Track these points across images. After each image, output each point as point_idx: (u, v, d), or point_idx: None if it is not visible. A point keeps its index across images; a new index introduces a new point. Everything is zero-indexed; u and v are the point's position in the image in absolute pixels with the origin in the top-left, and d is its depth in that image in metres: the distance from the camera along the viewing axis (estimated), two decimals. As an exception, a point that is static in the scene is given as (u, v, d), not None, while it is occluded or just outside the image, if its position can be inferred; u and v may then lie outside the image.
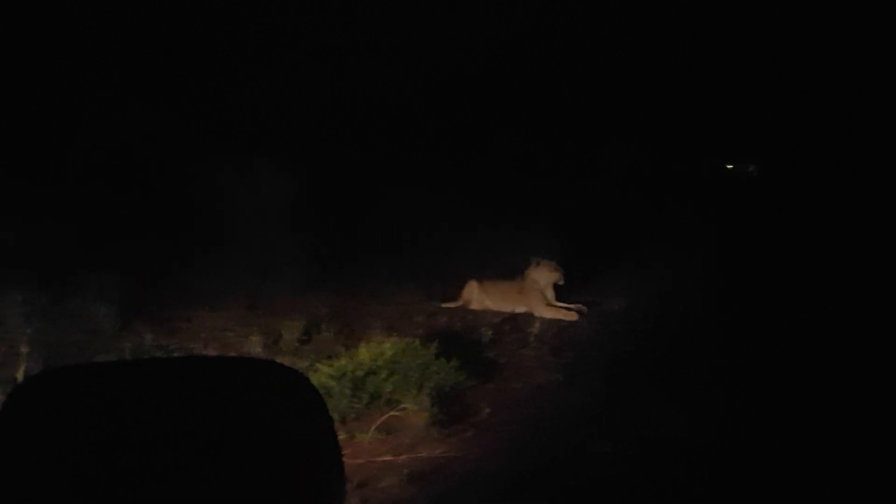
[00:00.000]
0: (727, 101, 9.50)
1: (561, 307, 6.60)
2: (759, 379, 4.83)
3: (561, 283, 6.71)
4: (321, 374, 4.44)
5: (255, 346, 5.16)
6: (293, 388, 0.96)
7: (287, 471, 0.91)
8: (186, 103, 8.37)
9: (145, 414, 0.88)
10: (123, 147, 8.28)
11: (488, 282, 6.85)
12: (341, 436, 4.09)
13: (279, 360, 4.97)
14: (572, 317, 6.46)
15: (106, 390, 0.91)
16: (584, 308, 6.61)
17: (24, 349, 4.41)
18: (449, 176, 8.47)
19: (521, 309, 6.66)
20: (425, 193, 8.26)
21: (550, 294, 6.70)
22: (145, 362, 1.11)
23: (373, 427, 4.05)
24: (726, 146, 10.05)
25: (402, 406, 4.29)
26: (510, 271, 6.93)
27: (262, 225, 7.15)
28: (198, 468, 0.87)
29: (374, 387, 4.42)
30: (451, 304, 6.80)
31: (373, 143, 8.95)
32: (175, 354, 4.90)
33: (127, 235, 7.30)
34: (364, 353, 4.72)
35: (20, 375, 4.19)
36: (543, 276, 6.69)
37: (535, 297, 6.66)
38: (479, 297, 6.77)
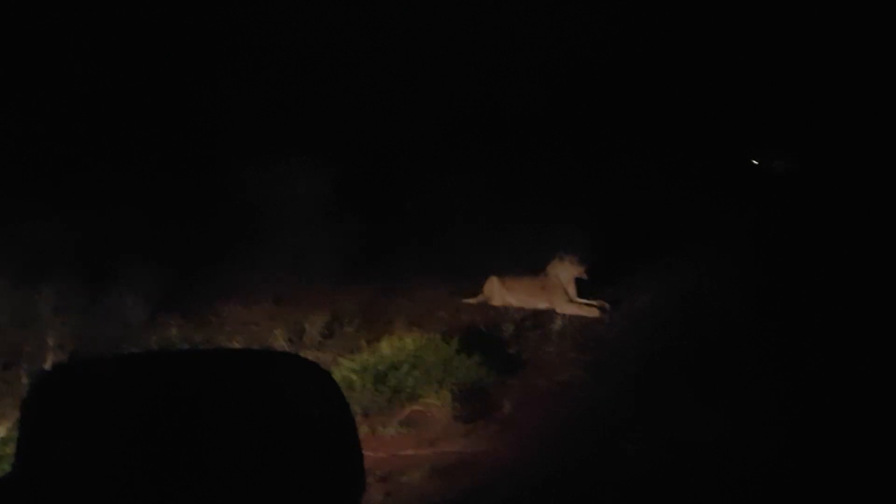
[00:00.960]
0: (754, 93, 9.29)
1: (583, 303, 6.54)
2: (789, 381, 4.72)
3: (584, 277, 6.63)
4: (343, 368, 4.47)
5: (279, 340, 5.19)
6: (312, 382, 0.96)
7: (305, 464, 0.90)
8: (220, 95, 8.41)
9: (160, 405, 0.88)
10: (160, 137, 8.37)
11: (510, 277, 6.80)
12: (363, 430, 4.12)
13: (302, 354, 5.01)
14: (594, 313, 6.39)
15: (124, 382, 0.92)
16: (607, 304, 6.53)
17: (51, 341, 4.48)
18: (479, 169, 8.42)
19: (542, 305, 6.60)
20: (456, 187, 8.22)
21: (573, 290, 6.62)
22: (163, 354, 1.12)
23: (395, 421, 4.06)
24: (755, 139, 9.82)
25: (424, 400, 4.29)
26: (539, 266, 6.86)
27: (294, 219, 7.18)
28: (213, 461, 0.86)
29: (396, 381, 4.43)
30: (473, 300, 6.77)
31: (402, 136, 8.92)
32: (199, 348, 4.94)
33: (161, 228, 7.37)
34: (386, 347, 4.74)
35: (48, 366, 4.26)
36: (566, 272, 6.62)
37: (557, 292, 6.59)
38: (500, 293, 6.73)
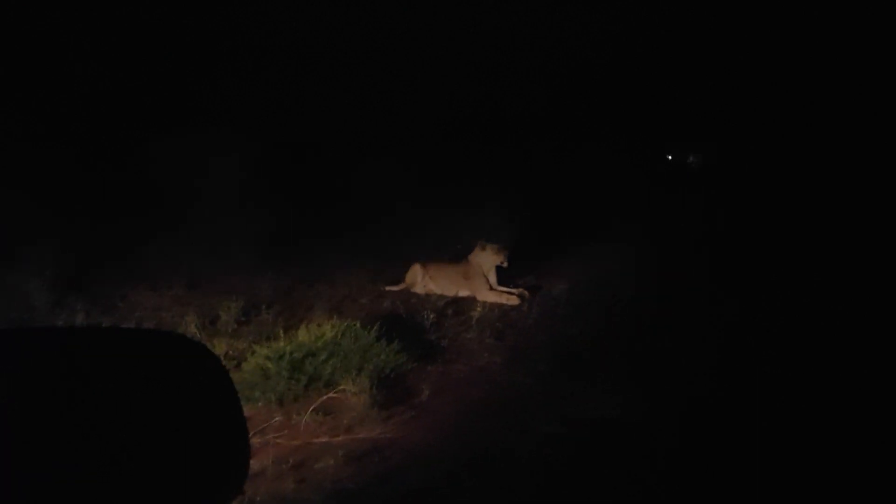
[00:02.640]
0: (672, 88, 9.53)
1: (503, 291, 6.64)
2: (699, 362, 4.89)
3: (505, 266, 6.73)
4: (258, 356, 4.38)
5: (190, 327, 5.05)
6: (195, 362, 0.94)
7: (186, 445, 0.88)
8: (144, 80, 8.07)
9: (34, 384, 0.85)
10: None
11: (432, 265, 6.83)
12: (278, 417, 4.06)
13: (216, 341, 4.89)
14: (514, 301, 6.50)
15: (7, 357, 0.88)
16: (526, 293, 6.65)
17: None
18: (402, 156, 8.38)
19: (464, 292, 6.67)
20: (383, 174, 8.16)
21: (493, 278, 6.72)
22: (44, 331, 1.07)
23: (310, 408, 4.02)
24: (673, 134, 10.06)
25: (341, 388, 4.26)
26: (461, 254, 6.91)
27: (212, 204, 6.97)
28: (91, 441, 0.84)
29: (313, 369, 4.38)
30: (395, 288, 6.77)
31: (330, 121, 8.77)
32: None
33: (73, 211, 7.02)
34: (304, 335, 4.67)
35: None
36: (487, 260, 6.70)
37: (479, 280, 6.67)
38: (422, 280, 6.75)
